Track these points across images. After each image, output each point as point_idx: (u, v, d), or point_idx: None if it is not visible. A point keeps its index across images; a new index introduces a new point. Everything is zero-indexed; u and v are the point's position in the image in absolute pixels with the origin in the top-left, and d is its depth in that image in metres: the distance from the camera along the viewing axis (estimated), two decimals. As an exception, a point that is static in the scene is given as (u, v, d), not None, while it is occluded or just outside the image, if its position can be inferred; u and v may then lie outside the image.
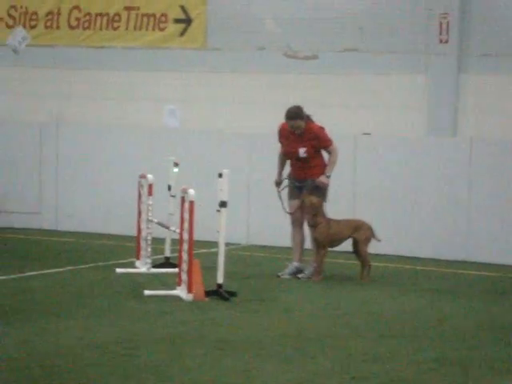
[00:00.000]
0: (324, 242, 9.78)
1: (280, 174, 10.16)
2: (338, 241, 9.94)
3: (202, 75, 14.60)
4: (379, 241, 10.04)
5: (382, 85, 13.82)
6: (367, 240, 9.96)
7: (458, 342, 7.10)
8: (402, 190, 12.15)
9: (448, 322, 7.89)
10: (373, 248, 11.54)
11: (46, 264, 10.24)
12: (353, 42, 13.92)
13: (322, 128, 10.01)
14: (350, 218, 10.34)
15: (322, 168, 9.93)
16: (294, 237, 10.09)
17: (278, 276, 9.90)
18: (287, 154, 10.08)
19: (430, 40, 13.57)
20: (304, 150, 9.89)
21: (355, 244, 9.93)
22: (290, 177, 10.12)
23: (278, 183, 10.15)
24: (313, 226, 9.86)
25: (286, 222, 11.53)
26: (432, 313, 8.32)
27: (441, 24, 13.46)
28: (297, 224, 10.06)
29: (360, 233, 9.91)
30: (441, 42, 13.51)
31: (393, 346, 6.86)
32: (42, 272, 9.72)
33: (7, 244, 12.01)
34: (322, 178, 9.86)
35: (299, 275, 9.87)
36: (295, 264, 9.95)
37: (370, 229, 9.98)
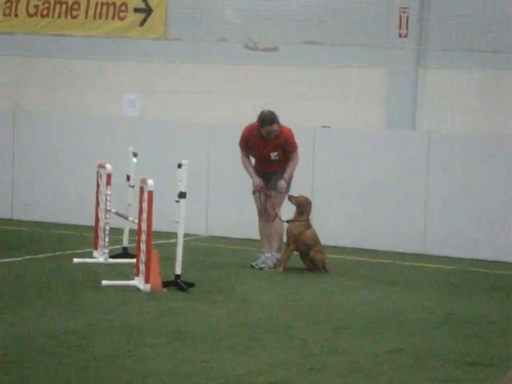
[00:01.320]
0: (297, 239, 9.85)
1: (255, 174, 10.01)
2: (304, 246, 9.96)
3: (162, 65, 14.54)
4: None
5: (341, 78, 13.88)
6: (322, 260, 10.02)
7: (414, 334, 7.17)
8: (361, 183, 12.22)
9: (405, 315, 7.96)
10: (332, 240, 11.62)
11: (2, 253, 10.13)
12: (313, 35, 13.95)
13: (290, 131, 10.02)
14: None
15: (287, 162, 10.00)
16: (262, 229, 10.12)
17: (252, 266, 9.94)
18: (256, 158, 10.05)
19: (389, 34, 13.65)
20: (275, 153, 9.97)
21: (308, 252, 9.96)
22: (254, 168, 10.11)
23: (261, 187, 9.97)
24: (291, 222, 9.94)
25: (245, 213, 11.55)
26: (389, 305, 8.39)
27: (400, 18, 13.54)
28: (263, 216, 10.08)
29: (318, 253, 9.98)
30: (400, 36, 13.59)
31: (350, 338, 6.90)
32: (-2, 261, 9.63)
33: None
34: (281, 184, 9.90)
35: (262, 265, 9.92)
36: (266, 254, 9.98)
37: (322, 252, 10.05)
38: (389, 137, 12.47)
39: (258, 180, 10.02)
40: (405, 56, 13.64)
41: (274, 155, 9.98)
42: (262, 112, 9.97)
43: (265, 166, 10.08)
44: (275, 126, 9.87)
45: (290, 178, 10.09)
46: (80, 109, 14.49)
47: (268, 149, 9.96)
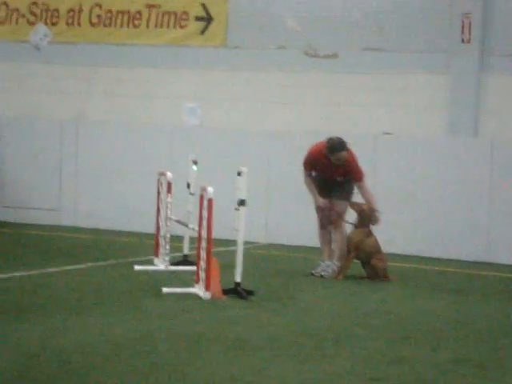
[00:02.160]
0: (358, 247, 9.79)
1: (318, 195, 9.95)
2: (365, 254, 9.89)
3: (222, 73, 14.59)
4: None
5: (402, 84, 13.75)
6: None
7: (477, 343, 7.05)
8: (422, 191, 12.09)
9: (468, 324, 7.84)
10: (392, 248, 11.51)
11: (65, 260, 10.26)
12: (374, 41, 13.86)
13: (355, 160, 9.93)
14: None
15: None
16: (323, 236, 10.08)
17: (312, 274, 9.90)
18: (323, 178, 9.98)
19: (452, 39, 13.49)
20: (342, 178, 9.94)
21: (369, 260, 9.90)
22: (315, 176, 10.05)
23: (327, 206, 9.95)
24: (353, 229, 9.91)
25: (304, 221, 11.51)
26: (452, 314, 8.27)
27: (463, 23, 13.38)
28: (325, 223, 10.03)
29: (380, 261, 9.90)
30: (463, 41, 13.42)
31: (411, 347, 6.81)
32: (62, 268, 9.74)
33: (28, 240, 12.05)
34: (377, 214, 9.88)
35: (322, 273, 9.88)
36: (327, 262, 9.94)
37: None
38: (451, 144, 12.33)
39: (322, 200, 9.95)
40: (468, 61, 13.47)
41: (339, 178, 9.95)
42: (331, 139, 9.84)
43: (328, 182, 10.03)
44: (344, 153, 9.77)
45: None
46: (141, 117, 14.62)
47: (335, 174, 9.92)
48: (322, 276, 9.88)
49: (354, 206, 9.99)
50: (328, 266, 9.96)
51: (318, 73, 14.16)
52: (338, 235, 9.98)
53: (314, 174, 10.05)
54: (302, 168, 10.05)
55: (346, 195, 9.99)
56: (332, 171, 9.91)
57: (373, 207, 9.92)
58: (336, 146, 9.76)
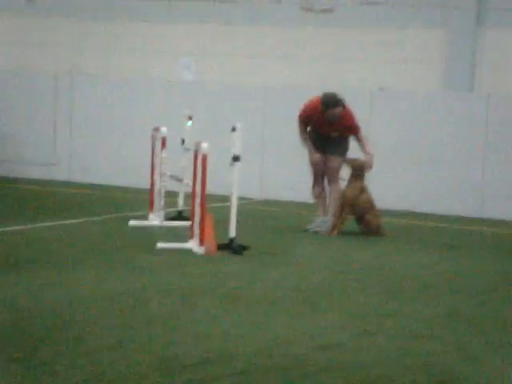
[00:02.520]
0: (352, 203, 9.79)
1: (313, 148, 9.95)
2: (359, 209, 9.89)
3: (218, 28, 14.49)
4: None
5: (399, 39, 13.67)
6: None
7: (468, 297, 7.09)
8: (418, 146, 12.08)
9: (459, 278, 7.88)
10: (386, 204, 11.54)
11: (59, 215, 10.28)
12: (370, -5, 13.74)
13: (352, 114, 9.88)
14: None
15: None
16: (317, 193, 10.08)
17: (307, 230, 9.92)
18: (317, 134, 9.95)
19: (448, -7, 13.38)
20: (336, 134, 9.91)
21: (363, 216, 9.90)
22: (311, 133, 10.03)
23: (320, 161, 9.93)
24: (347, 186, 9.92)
25: (299, 176, 11.51)
26: (444, 269, 8.31)
27: (460, -23, 13.25)
28: (319, 179, 10.03)
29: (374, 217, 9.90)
30: (460, -5, 13.31)
31: (403, 301, 6.86)
32: (56, 223, 9.75)
33: (22, 195, 12.05)
34: (369, 160, 9.82)
35: (317, 229, 9.90)
36: (322, 218, 9.96)
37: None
38: (447, 98, 12.29)
39: (317, 155, 9.92)
40: (464, 15, 13.37)
41: (334, 134, 9.93)
42: (326, 95, 9.78)
43: (323, 138, 10.02)
44: (339, 109, 9.72)
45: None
46: (136, 72, 14.54)
47: (330, 129, 9.89)
48: (316, 232, 9.91)
49: (348, 161, 9.98)
50: (323, 221, 9.98)
51: (314, 27, 14.06)
52: (334, 190, 9.99)
53: (308, 128, 10.03)
54: (298, 121, 10.02)
55: (341, 151, 9.98)
56: (327, 127, 9.88)
57: (367, 162, 9.90)
58: (330, 102, 9.71)
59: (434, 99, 12.32)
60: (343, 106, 9.76)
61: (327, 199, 10.09)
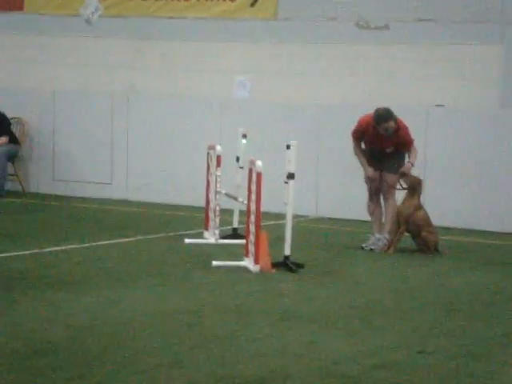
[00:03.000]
0: (407, 220, 9.72)
1: (366, 164, 9.89)
2: (415, 227, 9.81)
3: (273, 46, 14.52)
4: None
5: (455, 55, 13.55)
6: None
7: (528, 317, 6.97)
8: (475, 164, 11.94)
9: (519, 297, 7.75)
10: (444, 221, 11.42)
11: (116, 233, 10.37)
12: (426, 12, 13.65)
13: (407, 128, 9.87)
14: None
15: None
16: (373, 210, 10.06)
17: (362, 247, 9.87)
18: (371, 150, 9.93)
19: (505, 8, 13.23)
20: (391, 148, 9.87)
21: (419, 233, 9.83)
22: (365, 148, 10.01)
23: (374, 179, 9.90)
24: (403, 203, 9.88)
25: (354, 194, 11.45)
26: (503, 288, 8.18)
27: (517, -8, 13.10)
28: (374, 196, 10.02)
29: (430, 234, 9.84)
30: (517, 10, 13.15)
31: (461, 321, 6.77)
32: (113, 241, 9.85)
33: (79, 213, 12.20)
34: (407, 166, 9.82)
35: (372, 247, 9.84)
36: (377, 236, 9.90)
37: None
38: (504, 116, 12.14)
39: (371, 170, 9.91)
40: (522, 32, 13.20)
41: (389, 150, 9.89)
42: (378, 110, 9.80)
43: (377, 155, 9.97)
44: (391, 123, 9.70)
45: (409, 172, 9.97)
46: (191, 91, 14.64)
47: (384, 145, 9.86)
48: (371, 249, 9.84)
49: (406, 178, 9.91)
50: (378, 239, 9.91)
51: (369, 44, 14.02)
52: (389, 207, 9.94)
53: (363, 146, 10.00)
54: (351, 138, 10.00)
55: (397, 167, 9.93)
56: (381, 142, 9.85)
57: (419, 179, 9.87)
58: (382, 116, 9.71)
59: (491, 116, 12.18)
60: (395, 119, 9.74)
61: (383, 216, 10.03)
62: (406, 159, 10.02)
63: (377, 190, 10.01)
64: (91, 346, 5.71)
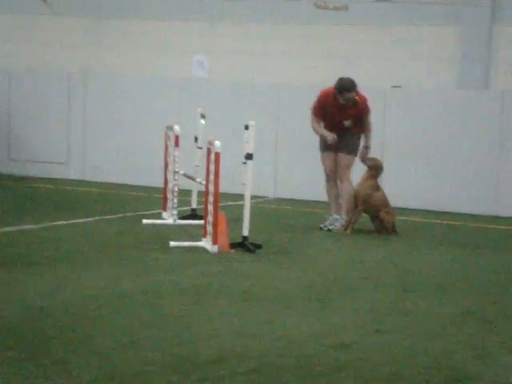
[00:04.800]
0: (365, 201, 9.76)
1: (325, 130, 9.93)
2: (373, 207, 9.86)
3: (232, 25, 14.48)
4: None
5: (412, 37, 13.62)
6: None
7: (483, 296, 7.05)
8: (432, 144, 12.03)
9: (474, 277, 7.84)
10: (401, 202, 11.50)
11: (73, 214, 10.29)
12: (384, -7, 13.69)
13: (366, 99, 9.92)
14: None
15: (357, 126, 9.95)
16: (330, 191, 10.09)
17: (321, 228, 9.90)
18: (328, 125, 9.94)
19: (462, -10, 13.31)
20: (349, 122, 9.91)
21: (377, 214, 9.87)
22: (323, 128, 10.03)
23: (335, 140, 9.86)
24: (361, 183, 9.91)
25: (313, 175, 11.49)
26: (458, 267, 8.27)
27: (474, -26, 13.18)
28: (331, 177, 10.06)
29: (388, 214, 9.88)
30: (474, -8, 13.24)
31: (417, 300, 6.82)
32: (70, 222, 9.77)
33: (36, 193, 12.08)
34: (364, 153, 9.95)
35: (330, 227, 9.88)
36: (335, 216, 9.94)
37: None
38: (461, 96, 12.23)
39: (332, 134, 9.88)
40: (479, 13, 13.30)
41: (347, 123, 9.92)
42: (341, 79, 9.82)
43: (335, 130, 9.98)
44: (353, 94, 9.75)
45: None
46: (150, 70, 14.55)
47: (343, 117, 9.89)
48: (329, 230, 9.89)
49: (367, 161, 9.95)
50: (336, 219, 9.96)
51: (328, 25, 14.03)
52: (345, 188, 9.97)
53: (322, 124, 10.01)
54: (311, 114, 9.99)
55: (351, 148, 9.97)
56: (340, 114, 9.83)
57: (380, 162, 9.95)
58: (345, 85, 9.72)
59: (449, 97, 12.26)
60: (357, 91, 9.76)
61: (340, 197, 10.07)
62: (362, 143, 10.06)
63: (332, 172, 10.04)
64: (47, 326, 5.66)
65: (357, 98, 9.77)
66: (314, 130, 10.05)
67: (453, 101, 12.14)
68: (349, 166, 9.99)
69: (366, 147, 10.01)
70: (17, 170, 13.85)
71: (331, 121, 9.93)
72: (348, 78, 9.83)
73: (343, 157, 9.97)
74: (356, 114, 9.88)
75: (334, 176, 10.08)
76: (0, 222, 9.46)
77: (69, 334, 5.53)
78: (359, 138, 10.07)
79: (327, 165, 10.07)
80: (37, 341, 5.36)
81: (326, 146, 10.05)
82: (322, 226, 10.00)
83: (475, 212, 11.75)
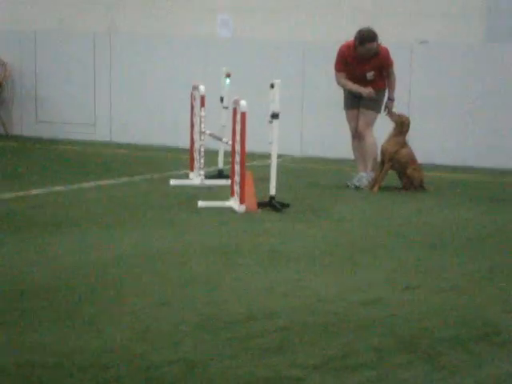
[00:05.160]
0: (392, 158, 9.71)
1: (356, 85, 9.82)
2: (400, 164, 9.80)
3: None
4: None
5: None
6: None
7: (512, 252, 7.03)
8: (460, 99, 11.92)
9: (503, 232, 7.81)
10: (429, 158, 11.44)
11: (101, 175, 10.34)
12: None
13: (387, 50, 9.81)
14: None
15: (382, 82, 9.86)
16: (356, 148, 10.07)
17: (348, 185, 9.88)
18: (351, 78, 9.84)
19: None
20: (372, 73, 9.78)
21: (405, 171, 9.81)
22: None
23: (372, 93, 9.75)
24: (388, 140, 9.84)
25: (339, 132, 11.43)
26: (488, 223, 8.23)
27: None
28: (356, 135, 10.02)
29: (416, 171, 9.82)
30: None
31: (447, 256, 6.82)
32: (97, 183, 9.83)
33: (63, 155, 12.15)
34: (390, 106, 9.85)
35: (357, 183, 9.85)
36: (362, 174, 9.91)
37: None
38: (489, 50, 12.08)
39: (367, 88, 9.77)
40: (506, -35, 13.07)
41: (370, 75, 9.81)
42: (361, 30, 9.73)
43: (358, 84, 9.88)
44: (375, 44, 9.66)
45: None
46: (174, 29, 14.48)
47: (365, 68, 9.79)
48: (356, 187, 9.86)
49: (394, 116, 9.88)
50: (362, 176, 9.93)
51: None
52: (368, 145, 9.91)
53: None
54: (335, 71, 9.90)
55: (375, 105, 9.87)
56: (362, 65, 9.74)
57: (407, 118, 9.87)
58: (366, 36, 9.62)
59: (477, 51, 12.12)
60: (378, 41, 9.67)
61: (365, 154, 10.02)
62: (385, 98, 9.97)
63: (357, 129, 10.00)
64: (77, 287, 5.72)
65: (377, 48, 9.68)
66: (344, 85, 9.94)
67: (480, 55, 12.00)
68: (370, 123, 9.90)
69: (391, 99, 9.92)
70: (44, 132, 13.90)
71: (353, 74, 9.83)
72: (368, 28, 9.73)
73: (364, 112, 9.90)
74: (378, 65, 9.77)
75: (358, 133, 10.03)
76: (28, 184, 9.54)
77: (99, 294, 5.59)
78: (384, 95, 9.98)
79: (352, 123, 10.02)
80: (68, 301, 5.42)
81: (350, 104, 9.98)
82: (348, 183, 9.98)
83: (505, 167, 11.66)
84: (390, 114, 9.90)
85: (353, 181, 9.95)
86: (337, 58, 9.90)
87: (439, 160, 11.86)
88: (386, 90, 9.99)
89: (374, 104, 9.88)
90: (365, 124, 9.90)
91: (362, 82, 9.84)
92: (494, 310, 5.45)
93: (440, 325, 5.15)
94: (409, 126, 9.90)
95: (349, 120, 10.07)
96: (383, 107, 9.95)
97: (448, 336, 4.97)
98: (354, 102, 9.92)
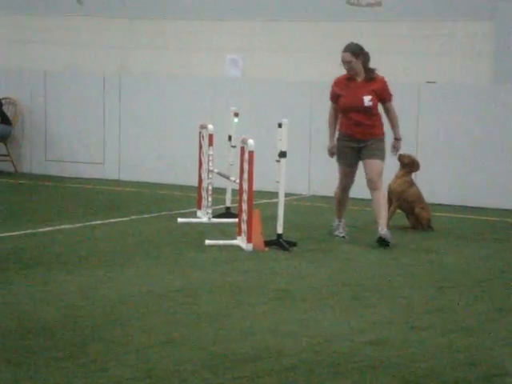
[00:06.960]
0: (400, 197, 9.72)
1: (332, 137, 9.23)
2: (408, 203, 9.81)
3: (264, 23, 14.47)
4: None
5: (446, 31, 13.52)
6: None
7: (520, 292, 7.01)
8: (466, 140, 11.95)
9: (510, 272, 7.78)
10: (437, 198, 11.44)
11: (109, 213, 10.37)
12: (417, -12, 13.62)
13: (385, 79, 9.44)
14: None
15: (381, 128, 9.24)
16: (340, 197, 9.43)
17: (336, 236, 9.31)
18: (347, 106, 9.14)
19: (497, -16, 13.20)
20: (369, 97, 9.09)
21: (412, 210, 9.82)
22: (341, 135, 9.26)
23: (333, 150, 9.24)
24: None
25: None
26: (496, 263, 8.21)
27: (509, -33, 13.07)
28: (347, 190, 9.40)
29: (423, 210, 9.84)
30: (508, -14, 13.12)
31: (453, 296, 6.80)
32: (106, 221, 9.85)
33: (72, 193, 12.19)
34: (398, 144, 9.27)
35: (341, 235, 9.27)
36: (386, 231, 8.93)
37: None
38: (496, 92, 12.13)
39: (332, 145, 9.23)
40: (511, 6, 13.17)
41: (367, 100, 9.09)
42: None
43: (353, 126, 9.16)
44: (348, 55, 9.16)
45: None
46: (183, 70, 14.60)
47: (360, 91, 9.13)
48: (343, 237, 9.20)
49: (404, 158, 9.90)
50: (387, 233, 8.88)
51: (361, 22, 13.98)
52: (383, 197, 9.17)
53: (338, 121, 9.24)
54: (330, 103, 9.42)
55: (380, 153, 9.16)
56: (356, 90, 9.13)
57: (416, 159, 9.89)
58: (346, 45, 9.26)
59: (484, 92, 12.17)
60: (357, 56, 9.18)
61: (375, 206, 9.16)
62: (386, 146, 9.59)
63: (351, 182, 9.33)
64: (84, 325, 5.72)
65: (351, 61, 9.14)
66: (328, 125, 9.35)
67: (487, 96, 12.04)
68: (381, 174, 9.12)
69: (397, 139, 9.30)
70: (53, 170, 13.97)
71: (349, 99, 9.16)
72: (355, 43, 9.38)
73: (372, 163, 9.10)
74: (374, 92, 9.13)
75: (348, 188, 9.35)
76: (37, 222, 9.56)
77: (106, 332, 5.59)
78: (384, 141, 9.28)
79: (348, 179, 9.30)
80: (74, 340, 5.42)
81: (349, 159, 9.23)
82: (336, 234, 9.31)
83: (510, 208, 11.64)
84: (401, 156, 9.86)
85: (339, 231, 9.31)
86: (330, 90, 9.41)
87: (446, 200, 11.86)
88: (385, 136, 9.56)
89: (380, 153, 9.17)
90: (377, 176, 9.06)
91: (361, 112, 9.14)
92: (501, 351, 5.43)
93: (447, 366, 5.13)
94: (419, 167, 9.92)
95: (344, 176, 9.31)
96: (390, 148, 9.56)
97: (455, 377, 4.94)
98: (352, 157, 9.19)
